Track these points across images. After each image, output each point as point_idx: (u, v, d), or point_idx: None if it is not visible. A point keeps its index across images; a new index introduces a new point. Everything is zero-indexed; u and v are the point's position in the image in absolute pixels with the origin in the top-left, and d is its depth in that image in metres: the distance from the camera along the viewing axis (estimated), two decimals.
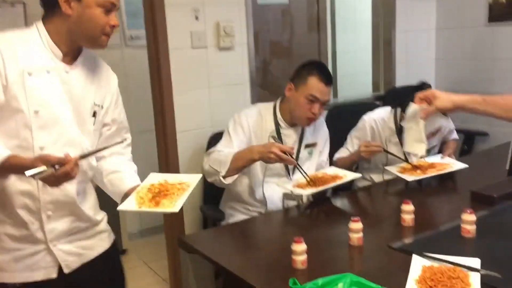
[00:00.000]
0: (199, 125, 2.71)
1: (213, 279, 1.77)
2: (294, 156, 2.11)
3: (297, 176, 2.24)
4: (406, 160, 2.43)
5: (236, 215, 2.24)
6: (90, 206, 1.57)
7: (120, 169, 1.61)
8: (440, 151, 2.71)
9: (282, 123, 2.28)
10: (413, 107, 1.89)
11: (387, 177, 2.46)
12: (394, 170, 2.34)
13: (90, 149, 1.50)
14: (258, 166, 2.21)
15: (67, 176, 1.28)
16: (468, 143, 3.53)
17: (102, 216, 1.64)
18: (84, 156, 1.38)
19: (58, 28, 1.43)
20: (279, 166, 2.23)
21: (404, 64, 3.65)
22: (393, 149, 2.57)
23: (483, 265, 1.42)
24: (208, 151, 2.24)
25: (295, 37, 4.40)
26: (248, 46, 2.83)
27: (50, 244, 1.47)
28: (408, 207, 1.80)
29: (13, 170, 1.32)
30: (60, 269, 1.49)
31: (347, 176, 2.15)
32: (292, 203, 2.14)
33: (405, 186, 2.24)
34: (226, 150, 2.15)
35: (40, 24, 1.45)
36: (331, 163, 2.51)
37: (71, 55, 1.47)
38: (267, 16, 4.10)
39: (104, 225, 1.64)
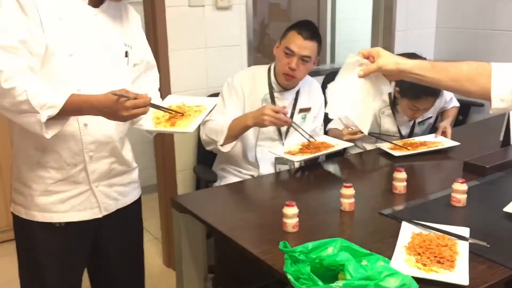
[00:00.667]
0: (195, 86, 2.68)
1: (205, 239, 1.78)
2: (288, 116, 2.11)
3: (289, 141, 2.25)
4: (400, 134, 2.43)
5: (229, 177, 2.24)
6: (126, 151, 1.65)
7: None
8: (436, 121, 2.70)
9: (275, 86, 2.27)
10: (353, 58, 1.45)
11: (379, 145, 2.46)
12: (385, 147, 2.33)
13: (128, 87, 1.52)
14: (251, 130, 2.20)
15: (143, 106, 1.36)
16: (462, 114, 3.52)
17: (135, 165, 1.72)
18: (153, 106, 1.45)
19: None
20: (272, 129, 2.23)
21: (404, 32, 3.60)
22: (386, 120, 2.55)
23: (472, 234, 1.44)
24: (203, 120, 2.22)
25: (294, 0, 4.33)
26: (246, 7, 2.76)
27: (93, 185, 1.55)
28: (400, 175, 1.81)
29: (78, 106, 1.35)
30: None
31: (339, 144, 2.15)
32: (284, 167, 2.15)
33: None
34: (221, 119, 2.14)
35: None
36: (325, 131, 2.50)
37: None
38: None
39: (136, 175, 1.72)
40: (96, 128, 1.51)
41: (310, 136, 2.17)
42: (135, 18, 1.66)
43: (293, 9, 4.34)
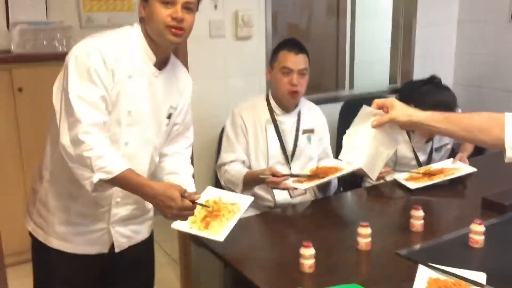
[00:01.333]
0: (215, 114, 2.73)
1: (223, 268, 1.82)
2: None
3: (296, 165, 2.30)
4: (417, 161, 2.43)
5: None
6: None
7: (178, 171, 1.73)
8: (453, 150, 2.70)
9: (276, 109, 2.31)
10: (367, 109, 1.50)
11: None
12: (401, 178, 2.33)
13: (159, 147, 1.68)
14: (261, 157, 2.27)
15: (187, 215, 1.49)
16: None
17: (151, 205, 1.75)
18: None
19: (145, 31, 1.54)
20: (278, 153, 2.28)
21: (423, 57, 3.61)
22: (402, 146, 2.56)
23: (489, 279, 1.44)
24: (218, 164, 2.31)
25: (313, 21, 4.37)
26: (266, 36, 2.82)
27: (111, 225, 1.62)
28: (417, 213, 1.81)
29: (129, 182, 1.44)
30: (111, 247, 1.65)
31: (348, 168, 2.12)
32: (298, 192, 2.21)
33: (415, 188, 2.24)
34: (234, 168, 2.22)
35: (138, 27, 1.56)
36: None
37: (162, 61, 1.58)
38: None
39: (152, 213, 1.78)
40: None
41: (309, 176, 2.16)
42: (188, 82, 1.73)
43: (313, 30, 4.38)
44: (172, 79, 1.64)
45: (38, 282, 1.69)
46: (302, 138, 2.34)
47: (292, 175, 2.13)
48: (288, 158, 2.31)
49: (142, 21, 1.55)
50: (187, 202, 1.43)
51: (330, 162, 2.29)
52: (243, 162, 2.27)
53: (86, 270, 1.65)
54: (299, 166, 2.32)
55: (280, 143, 2.29)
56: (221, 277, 1.84)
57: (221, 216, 1.67)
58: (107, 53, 1.45)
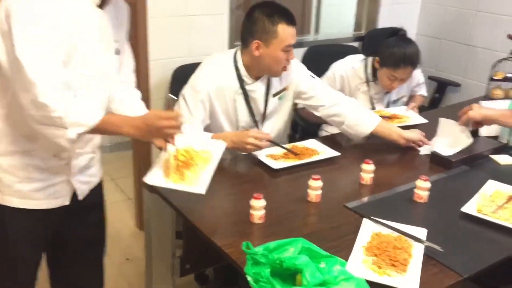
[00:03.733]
0: (172, 55, 2.65)
1: (174, 215, 1.83)
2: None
3: (266, 127, 2.22)
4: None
5: None
6: (98, 136, 1.67)
7: (128, 100, 1.70)
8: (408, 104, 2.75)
9: (246, 78, 2.10)
10: (446, 122, 2.22)
11: None
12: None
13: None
14: (227, 124, 2.15)
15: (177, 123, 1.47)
16: (439, 92, 3.58)
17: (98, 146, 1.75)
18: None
19: None
20: (248, 120, 2.17)
21: (389, 4, 3.57)
22: (361, 96, 2.61)
23: (428, 236, 1.51)
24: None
25: None
26: None
27: (72, 176, 1.58)
28: (368, 167, 1.85)
29: (112, 125, 1.42)
30: (72, 196, 1.62)
31: (326, 152, 2.07)
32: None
33: (369, 138, 2.26)
34: (194, 132, 2.00)
35: None
36: (297, 110, 2.50)
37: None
38: None
39: (99, 152, 1.73)
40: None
41: (291, 151, 2.04)
42: (126, 8, 1.63)
43: None
44: (113, 13, 1.53)
45: None
46: (273, 101, 2.21)
47: (272, 142, 2.03)
48: (257, 123, 2.19)
49: None
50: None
51: (310, 143, 2.15)
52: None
53: (45, 224, 1.61)
54: (271, 126, 2.25)
55: (249, 111, 2.15)
56: (172, 224, 1.85)
57: (195, 165, 1.63)
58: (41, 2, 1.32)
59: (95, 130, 1.39)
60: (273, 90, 2.20)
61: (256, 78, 2.13)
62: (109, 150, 4.06)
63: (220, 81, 2.08)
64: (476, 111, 2.10)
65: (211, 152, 1.72)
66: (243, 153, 2.04)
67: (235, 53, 2.13)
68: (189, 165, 1.62)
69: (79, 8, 1.40)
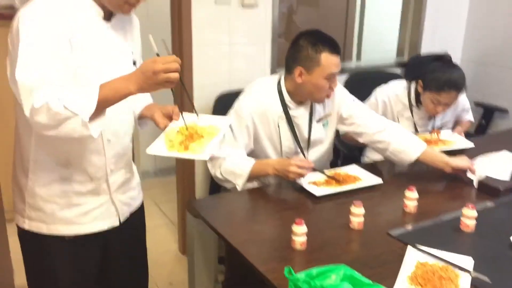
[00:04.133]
0: (216, 81, 2.71)
1: (217, 240, 1.85)
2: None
3: (312, 155, 2.23)
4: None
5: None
6: (130, 151, 1.72)
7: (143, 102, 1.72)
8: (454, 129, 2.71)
9: (290, 103, 2.14)
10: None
11: None
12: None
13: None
14: (272, 151, 2.17)
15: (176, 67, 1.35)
16: (486, 118, 3.49)
17: (135, 166, 1.79)
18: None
19: None
20: (293, 147, 2.18)
21: (432, 30, 3.54)
22: (405, 123, 2.59)
23: (476, 264, 1.46)
24: (213, 156, 2.03)
25: None
26: (272, 4, 2.76)
27: (113, 195, 1.63)
28: (411, 194, 1.83)
29: (113, 89, 1.35)
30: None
31: (367, 180, 2.04)
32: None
33: (412, 165, 2.23)
34: (232, 152, 2.06)
35: None
36: (338, 135, 2.48)
37: (108, 11, 1.50)
38: None
39: (138, 175, 1.79)
40: (117, 143, 1.58)
41: (334, 178, 2.04)
42: (137, 23, 1.68)
43: None
44: (125, 25, 1.58)
45: (35, 275, 1.64)
46: (317, 126, 2.22)
47: (314, 169, 2.03)
48: (303, 150, 2.21)
49: None
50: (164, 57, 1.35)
51: (352, 169, 2.14)
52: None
53: (91, 251, 1.64)
54: (316, 154, 2.26)
55: (294, 137, 2.17)
56: (215, 249, 1.87)
57: (200, 137, 1.56)
58: (45, 11, 1.36)
59: (100, 103, 1.32)
60: (316, 116, 2.21)
61: (300, 103, 2.16)
62: (153, 175, 4.16)
63: (264, 105, 2.12)
64: None
65: (216, 126, 1.64)
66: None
67: (279, 79, 2.17)
68: (194, 138, 1.55)
69: (86, 21, 1.44)
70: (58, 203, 1.54)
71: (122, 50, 1.57)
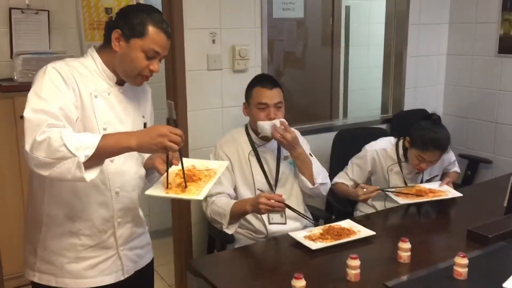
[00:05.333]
0: (211, 142, 2.81)
1: None
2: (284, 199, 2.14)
3: (280, 191, 2.35)
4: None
5: (241, 239, 2.34)
6: (140, 211, 1.79)
7: None
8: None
9: (256, 140, 2.42)
10: None
11: (388, 204, 2.56)
12: (391, 193, 2.47)
13: (142, 158, 1.74)
14: (247, 191, 2.36)
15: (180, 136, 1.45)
16: (471, 169, 3.61)
17: (146, 228, 1.86)
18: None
19: (108, 59, 1.62)
20: (263, 183, 2.38)
21: (413, 87, 3.73)
22: (394, 177, 2.67)
23: None
24: (207, 196, 2.27)
25: (308, 49, 4.48)
26: (261, 68, 2.92)
27: (119, 249, 1.68)
28: (405, 245, 1.89)
29: (116, 141, 1.41)
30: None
31: (362, 232, 2.11)
32: (276, 220, 2.35)
33: (403, 217, 2.32)
34: (221, 200, 2.26)
35: (94, 54, 1.64)
36: (331, 185, 2.63)
37: (121, 79, 1.65)
38: (282, 26, 4.19)
39: (149, 237, 1.86)
40: (125, 196, 1.66)
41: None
42: (148, 91, 1.83)
43: (308, 58, 4.49)
44: (136, 91, 1.72)
45: None
46: (284, 164, 2.44)
47: (286, 205, 2.13)
48: (272, 186, 2.40)
49: (104, 48, 1.63)
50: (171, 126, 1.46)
51: (345, 223, 2.20)
52: (229, 195, 2.32)
53: None
54: (285, 192, 2.39)
55: (263, 173, 2.39)
56: None
57: (198, 180, 1.63)
58: (64, 70, 1.52)
59: (100, 150, 1.37)
60: (283, 153, 2.43)
61: (265, 141, 2.42)
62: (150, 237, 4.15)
63: (236, 145, 2.41)
64: None
65: (213, 169, 1.72)
66: (277, 229, 2.23)
67: (248, 124, 2.49)
68: (192, 180, 1.62)
69: (99, 84, 1.60)
70: (67, 256, 1.61)
71: (134, 113, 1.69)
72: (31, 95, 1.46)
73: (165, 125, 1.48)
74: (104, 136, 1.40)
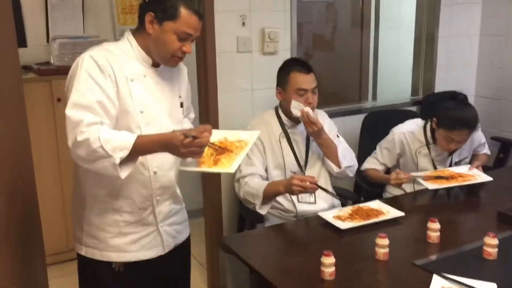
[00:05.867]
0: (241, 124, 2.85)
1: (248, 278, 1.94)
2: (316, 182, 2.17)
3: (310, 172, 2.41)
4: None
5: (271, 219, 2.39)
6: (179, 190, 1.87)
7: None
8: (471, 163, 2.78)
9: (287, 122, 2.45)
10: None
11: (417, 187, 2.56)
12: (420, 177, 2.47)
13: None
14: (279, 173, 2.41)
15: (199, 146, 1.50)
16: (504, 152, 3.56)
17: (183, 204, 1.93)
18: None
19: (143, 42, 1.67)
20: (294, 164, 2.42)
21: (445, 69, 3.67)
22: (423, 160, 2.67)
23: None
24: (237, 177, 2.39)
25: (337, 31, 4.46)
26: (291, 51, 2.93)
27: (159, 225, 1.77)
28: (434, 225, 1.90)
29: (144, 146, 1.52)
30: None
31: (391, 212, 2.13)
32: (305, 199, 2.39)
33: (432, 199, 2.32)
34: (253, 180, 2.31)
35: (130, 37, 1.70)
36: (361, 171, 2.68)
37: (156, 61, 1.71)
38: (312, 9, 4.18)
39: (186, 214, 1.94)
40: (163, 175, 1.74)
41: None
42: (184, 70, 1.88)
43: (337, 40, 4.48)
44: (173, 72, 1.77)
45: None
46: (313, 145, 2.46)
47: (318, 186, 2.16)
48: (302, 167, 2.43)
49: (139, 30, 1.68)
50: (188, 140, 1.48)
51: (375, 204, 2.22)
52: (261, 176, 2.37)
53: (135, 279, 1.77)
54: (314, 173, 2.43)
55: (294, 154, 2.43)
56: (247, 282, 1.95)
57: (230, 152, 1.67)
58: (100, 58, 1.58)
59: (134, 152, 1.49)
60: None
61: (296, 122, 2.42)
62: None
63: (267, 127, 2.42)
64: None
65: (245, 140, 1.75)
66: (307, 208, 2.27)
67: (277, 105, 2.51)
68: (224, 153, 1.66)
69: (136, 67, 1.66)
70: (110, 231, 1.70)
71: (170, 93, 1.75)
72: (71, 88, 1.55)
73: (181, 141, 1.48)
74: (138, 138, 1.50)
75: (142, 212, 1.73)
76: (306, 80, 2.35)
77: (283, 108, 2.47)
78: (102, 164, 1.48)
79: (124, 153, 1.47)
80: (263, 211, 2.25)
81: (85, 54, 1.60)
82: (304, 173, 2.41)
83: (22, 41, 3.09)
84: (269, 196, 2.25)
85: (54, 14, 3.35)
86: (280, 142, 2.42)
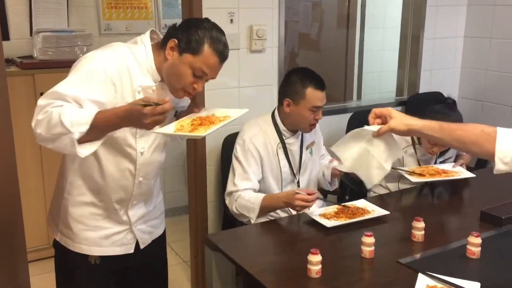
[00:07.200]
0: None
1: (234, 276, 1.93)
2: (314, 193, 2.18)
3: (302, 180, 2.44)
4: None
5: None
6: (157, 191, 1.87)
7: None
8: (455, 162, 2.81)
9: (285, 133, 2.40)
10: (364, 131, 1.66)
11: (402, 186, 2.59)
12: (403, 171, 2.51)
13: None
14: (273, 183, 2.39)
15: (162, 113, 1.36)
16: None
17: (161, 197, 1.93)
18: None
19: (159, 61, 1.62)
20: (288, 174, 2.41)
21: (429, 69, 3.71)
22: (409, 159, 2.69)
23: None
24: (229, 190, 2.32)
25: (323, 31, 4.48)
26: (278, 48, 2.93)
27: (133, 225, 1.77)
28: (419, 224, 1.92)
29: (107, 121, 1.40)
30: (136, 245, 1.80)
31: (376, 211, 2.15)
32: None
33: (417, 198, 2.34)
34: (248, 194, 2.26)
35: (148, 45, 1.63)
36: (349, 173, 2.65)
37: None
38: (298, 7, 4.18)
39: (163, 206, 1.94)
40: (146, 183, 1.74)
41: (325, 200, 2.37)
42: None
43: (323, 39, 4.49)
44: None
45: (64, 284, 1.82)
46: (306, 153, 2.46)
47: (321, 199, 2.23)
48: (295, 175, 2.43)
49: (159, 49, 1.62)
50: (150, 107, 1.36)
51: (360, 202, 2.23)
52: (254, 190, 2.32)
53: (110, 272, 1.78)
54: (305, 180, 2.46)
55: (289, 164, 2.40)
56: (233, 280, 1.95)
57: (211, 123, 1.60)
58: (113, 63, 1.53)
59: (97, 128, 1.39)
60: (305, 143, 2.45)
61: (292, 132, 2.39)
62: (165, 215, 4.22)
63: (264, 136, 2.36)
64: (400, 121, 1.58)
65: (231, 116, 1.68)
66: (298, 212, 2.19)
67: (274, 113, 2.43)
68: (204, 124, 1.60)
69: (144, 80, 1.61)
70: (85, 224, 1.70)
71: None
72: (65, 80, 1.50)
73: (142, 112, 1.36)
74: (99, 112, 1.41)
75: (117, 212, 1.74)
76: (322, 98, 2.30)
77: (284, 118, 2.39)
78: (62, 143, 1.38)
79: (84, 128, 1.36)
80: (254, 221, 2.22)
81: (100, 53, 1.55)
82: (297, 180, 2.43)
83: (4, 34, 3.04)
84: (266, 209, 2.23)
85: (38, 7, 3.30)
86: (277, 153, 2.38)
